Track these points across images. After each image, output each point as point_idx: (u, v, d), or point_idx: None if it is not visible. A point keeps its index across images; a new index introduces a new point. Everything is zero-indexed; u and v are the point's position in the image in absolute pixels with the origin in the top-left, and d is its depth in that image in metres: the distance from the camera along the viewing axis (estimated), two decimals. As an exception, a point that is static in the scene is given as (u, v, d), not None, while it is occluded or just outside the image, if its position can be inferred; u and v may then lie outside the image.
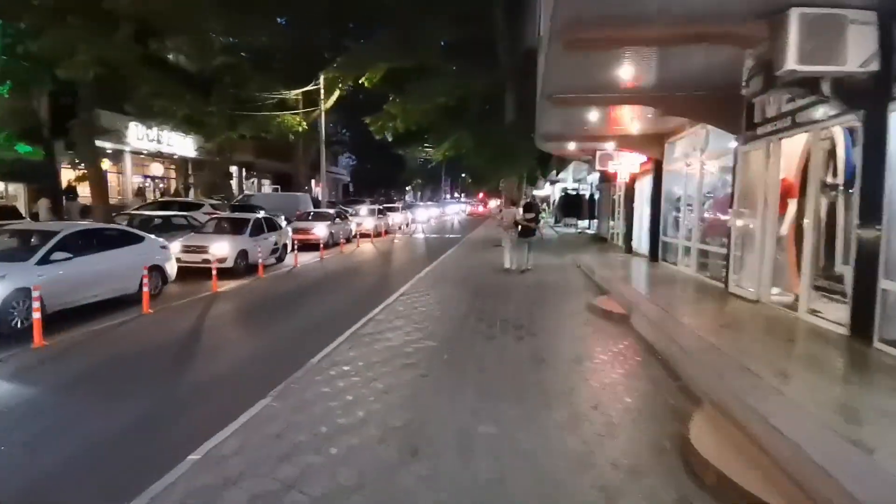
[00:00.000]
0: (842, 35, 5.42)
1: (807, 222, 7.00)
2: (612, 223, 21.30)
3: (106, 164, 21.65)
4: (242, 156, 30.29)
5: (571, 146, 16.37)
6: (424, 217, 42.83)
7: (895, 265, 5.41)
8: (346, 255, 18.24)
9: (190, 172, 27.85)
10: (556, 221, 33.02)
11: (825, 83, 6.25)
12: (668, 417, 4.37)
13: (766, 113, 7.90)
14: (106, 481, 3.69)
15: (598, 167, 17.27)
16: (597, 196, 26.70)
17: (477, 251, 18.49)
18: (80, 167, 19.19)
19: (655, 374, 5.44)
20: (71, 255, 7.61)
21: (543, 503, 3.19)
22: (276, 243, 14.92)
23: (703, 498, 3.22)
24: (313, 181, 36.96)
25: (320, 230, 19.24)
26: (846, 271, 6.41)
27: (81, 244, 8.04)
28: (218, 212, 17.73)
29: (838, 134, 6.95)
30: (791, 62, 5.44)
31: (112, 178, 23.00)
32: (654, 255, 13.86)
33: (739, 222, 8.63)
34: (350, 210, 26.85)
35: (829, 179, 7.24)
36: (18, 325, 7.05)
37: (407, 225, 33.87)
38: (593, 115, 11.05)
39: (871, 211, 5.72)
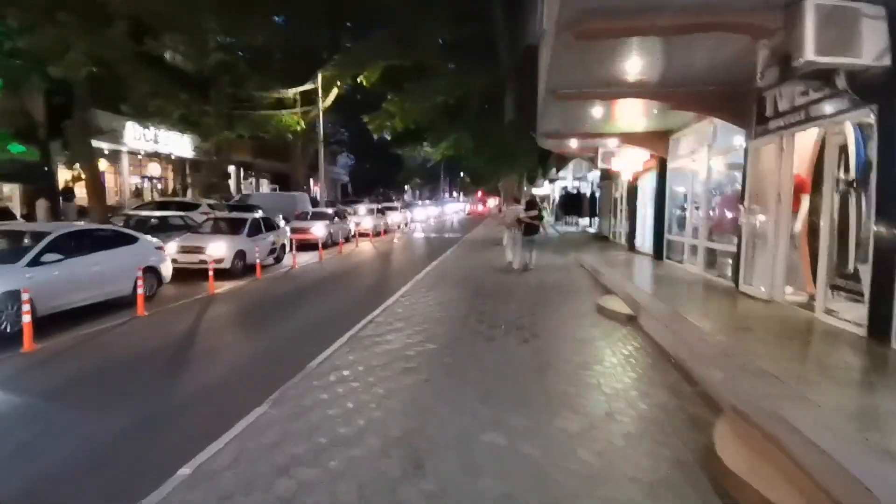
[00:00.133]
0: (856, 28, 5.26)
1: (823, 219, 6.76)
2: (613, 221, 21.08)
3: (103, 165, 21.44)
4: (240, 156, 30.06)
5: (573, 143, 16.14)
6: (423, 216, 42.60)
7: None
8: (345, 255, 18.01)
9: (187, 172, 27.62)
10: (557, 220, 32.79)
11: (839, 77, 6.05)
12: (688, 426, 4.14)
13: (779, 107, 7.67)
14: (89, 500, 3.46)
15: (600, 165, 17.06)
16: (598, 194, 26.48)
17: (477, 251, 18.26)
18: (75, 168, 18.92)
19: (670, 379, 5.21)
20: (62, 257, 7.38)
21: (559, 522, 2.97)
22: (274, 243, 14.70)
23: (731, 515, 3.00)
24: (311, 181, 36.72)
25: (319, 230, 19.01)
26: (863, 270, 6.19)
27: (73, 245, 7.80)
28: (215, 212, 17.49)
29: (849, 129, 6.73)
30: (809, 53, 5.24)
31: (109, 179, 22.77)
32: (658, 254, 13.63)
33: (751, 219, 8.39)
34: (349, 209, 26.63)
35: (841, 175, 7.03)
36: (8, 329, 6.82)
37: (406, 224, 33.63)
38: (597, 111, 10.82)
39: (888, 208, 5.51)
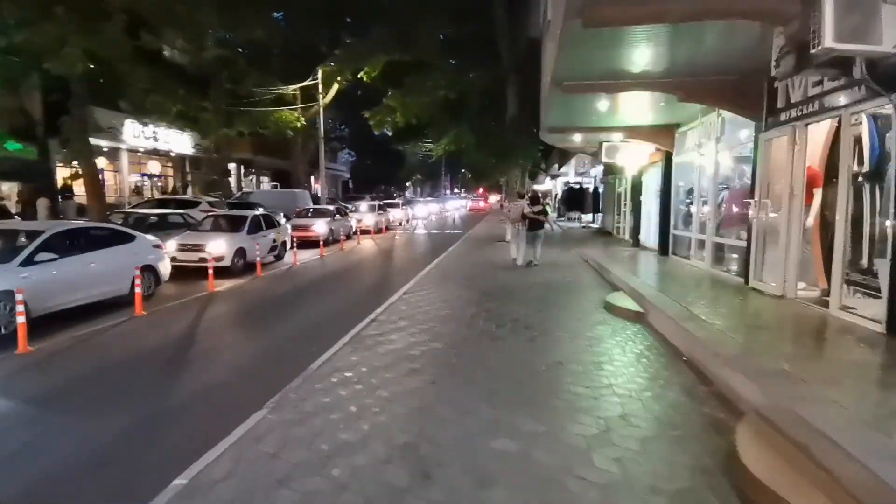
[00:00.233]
0: (876, 14, 5.05)
1: (838, 213, 6.55)
2: (617, 217, 20.90)
3: (102, 163, 21.25)
4: (240, 153, 29.83)
5: (577, 138, 15.92)
6: (425, 213, 42.38)
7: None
8: (347, 252, 17.82)
9: (187, 170, 27.42)
10: (560, 215, 32.60)
11: (857, 65, 5.85)
12: (707, 430, 3.95)
13: (791, 98, 7.47)
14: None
15: (604, 159, 16.87)
16: (601, 189, 26.29)
17: (480, 247, 18.06)
18: (73, 165, 18.74)
19: (684, 379, 5.02)
20: (56, 256, 7.19)
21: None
22: (274, 241, 14.51)
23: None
24: (312, 178, 36.50)
25: (320, 227, 18.83)
26: (880, 265, 5.99)
27: (68, 244, 7.61)
28: (215, 209, 17.30)
29: (864, 120, 6.53)
30: (828, 40, 5.02)
31: (109, 177, 22.59)
32: (663, 249, 13.45)
33: (761, 214, 8.19)
34: (350, 206, 26.43)
35: (855, 167, 6.83)
36: (2, 331, 6.65)
37: (407, 221, 33.44)
38: (602, 105, 10.60)
39: (907, 201, 5.32)
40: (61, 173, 19.83)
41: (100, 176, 19.74)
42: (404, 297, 9.15)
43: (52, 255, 7.11)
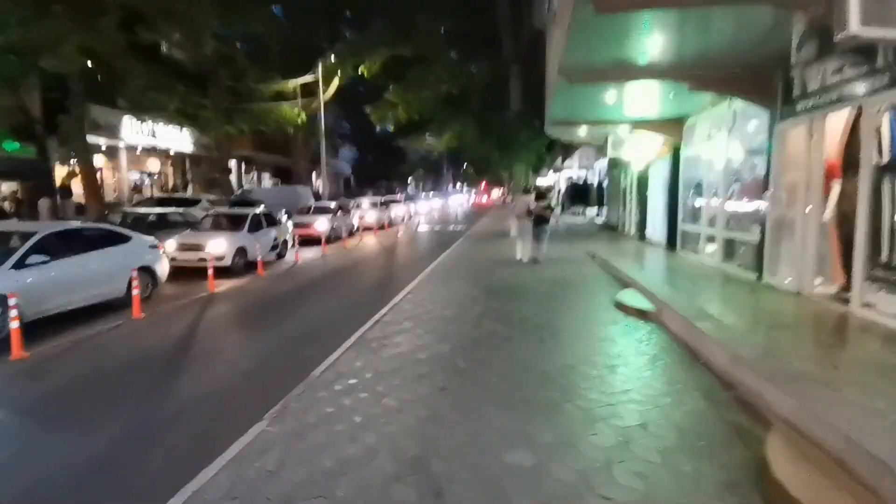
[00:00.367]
0: (901, -2, 4.79)
1: (859, 206, 6.29)
2: (622, 211, 20.61)
3: (101, 161, 21.05)
4: (241, 150, 29.62)
5: (582, 131, 15.66)
6: (427, 209, 42.11)
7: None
8: (349, 249, 17.60)
9: (188, 168, 27.21)
10: (563, 210, 32.32)
11: (881, 52, 5.60)
12: (733, 440, 3.73)
13: (808, 87, 7.20)
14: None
15: (609, 153, 16.61)
16: (605, 183, 25.99)
17: (484, 243, 17.83)
18: (70, 164, 18.54)
19: (703, 383, 4.79)
20: (48, 258, 6.98)
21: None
22: (275, 239, 14.29)
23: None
24: (314, 174, 36.28)
25: (322, 224, 18.59)
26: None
27: (61, 246, 7.38)
28: (215, 207, 17.09)
29: (885, 109, 6.27)
30: (854, 25, 4.76)
31: (108, 175, 22.39)
32: (671, 244, 13.19)
33: (777, 207, 7.94)
34: (352, 203, 26.19)
35: (875, 159, 6.57)
36: (-3, 335, 6.44)
37: (410, 217, 33.19)
38: (609, 97, 10.34)
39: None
40: (60, 172, 19.63)
41: (99, 174, 19.57)
42: (408, 296, 8.93)
43: (43, 258, 6.90)
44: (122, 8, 13.26)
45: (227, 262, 11.97)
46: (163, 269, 9.34)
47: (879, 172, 6.28)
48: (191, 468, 3.44)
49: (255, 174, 36.33)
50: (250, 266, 12.56)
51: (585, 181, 30.63)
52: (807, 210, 7.26)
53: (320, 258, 15.25)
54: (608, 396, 4.50)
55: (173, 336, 7.21)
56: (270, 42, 25.84)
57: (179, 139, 24.77)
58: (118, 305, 8.37)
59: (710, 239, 10.88)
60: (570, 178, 34.47)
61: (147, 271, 8.80)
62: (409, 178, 71.33)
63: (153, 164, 25.54)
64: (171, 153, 25.77)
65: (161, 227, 13.26)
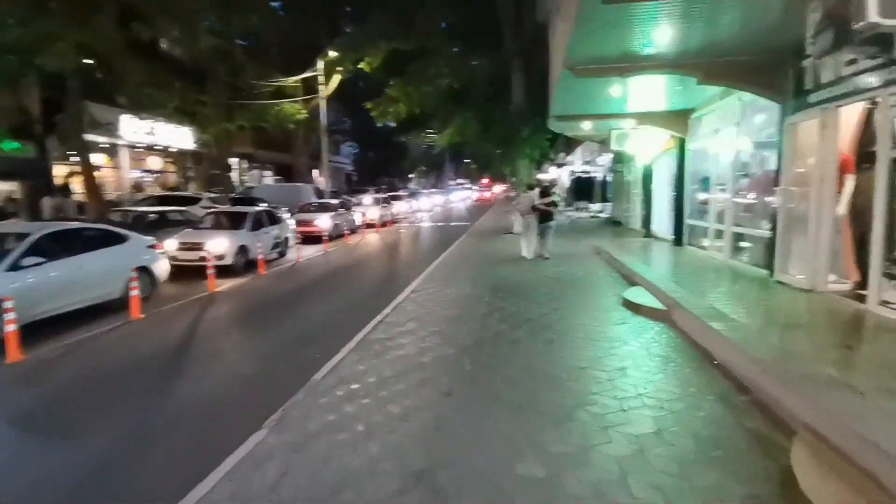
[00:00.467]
0: (921, -14, 4.59)
1: (876, 201, 6.10)
2: (627, 206, 20.41)
3: (101, 159, 20.91)
4: (242, 147, 29.43)
5: (586, 126, 15.43)
6: (430, 205, 41.90)
7: None
8: (351, 247, 17.44)
9: (188, 166, 27.04)
10: (567, 205, 32.09)
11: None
12: (753, 449, 3.55)
13: (821, 78, 6.99)
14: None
15: (614, 147, 16.38)
16: (609, 178, 25.76)
17: (487, 240, 17.65)
18: (69, 163, 18.40)
19: (718, 387, 4.62)
20: (44, 260, 6.82)
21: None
22: (277, 237, 14.15)
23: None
24: (316, 171, 36.08)
25: (323, 222, 18.42)
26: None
27: (56, 247, 7.20)
28: (217, 205, 16.94)
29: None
30: (873, 14, 4.56)
31: (108, 174, 22.23)
32: (678, 240, 13.00)
33: (788, 202, 7.74)
34: (354, 200, 26.01)
35: (891, 152, 6.38)
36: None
37: (412, 213, 33.00)
38: (614, 90, 10.11)
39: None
40: (59, 172, 19.49)
41: (98, 173, 19.42)
42: (412, 295, 8.77)
43: (38, 260, 6.75)
44: (117, 3, 13.07)
45: (228, 260, 11.82)
46: (161, 269, 9.18)
47: (890, 166, 6.10)
48: (186, 481, 3.29)
49: (256, 171, 36.16)
50: (251, 265, 12.42)
51: (589, 176, 30.41)
52: (820, 204, 7.05)
53: (322, 256, 15.10)
54: (620, 401, 4.33)
55: (172, 338, 7.07)
56: (269, 37, 25.57)
57: (180, 137, 24.58)
58: (117, 306, 8.22)
59: (718, 234, 10.69)
60: (574, 172, 34.23)
61: (145, 272, 8.63)
62: (412, 175, 71.07)
63: (154, 163, 25.39)
64: (172, 151, 25.60)
65: (161, 225, 13.11)
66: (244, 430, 3.98)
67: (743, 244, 9.72)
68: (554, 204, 12.71)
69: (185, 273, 11.21)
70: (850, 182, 7.23)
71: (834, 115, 6.94)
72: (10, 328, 6.07)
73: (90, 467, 3.78)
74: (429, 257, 13.43)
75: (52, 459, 3.92)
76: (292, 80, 25.34)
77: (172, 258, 11.55)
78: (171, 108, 18.09)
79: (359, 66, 24.61)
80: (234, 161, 29.59)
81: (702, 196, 12.03)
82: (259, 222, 13.48)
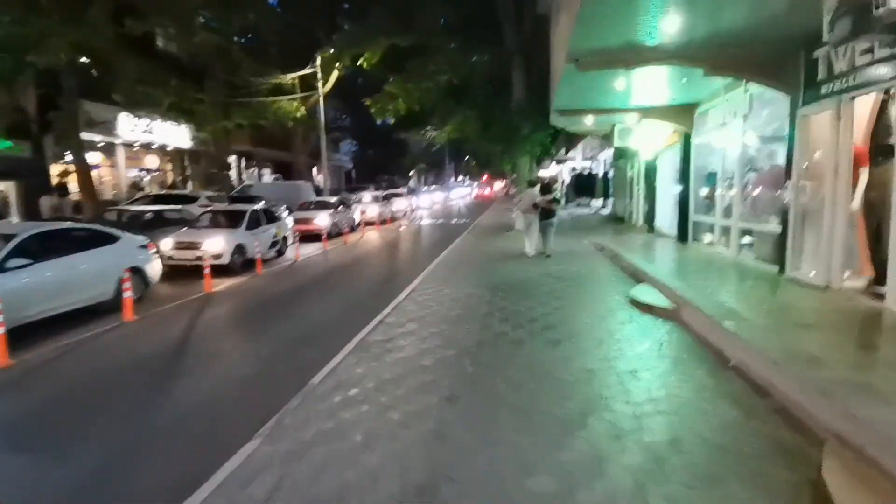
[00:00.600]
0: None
1: (893, 195, 5.87)
2: (629, 202, 20.17)
3: (98, 158, 20.67)
4: (240, 145, 29.17)
5: (589, 120, 15.17)
6: (429, 202, 41.65)
7: None
8: (351, 245, 17.21)
9: (186, 164, 26.80)
10: (568, 202, 31.87)
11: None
12: (777, 459, 3.33)
13: (834, 69, 6.76)
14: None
15: (616, 142, 16.14)
16: (611, 174, 25.53)
17: (488, 237, 17.41)
18: (64, 162, 18.17)
19: (735, 391, 4.39)
20: (30, 261, 6.59)
21: None
22: (275, 236, 13.93)
23: None
24: (315, 169, 35.84)
25: (322, 220, 18.19)
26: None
27: (44, 248, 6.96)
28: (214, 204, 16.70)
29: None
30: (896, 0, 4.36)
31: (105, 172, 21.99)
32: (682, 236, 12.78)
33: (800, 197, 7.51)
34: (353, 197, 25.78)
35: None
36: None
37: (412, 211, 32.76)
38: (618, 83, 9.88)
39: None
40: (56, 171, 19.24)
41: (95, 172, 19.18)
42: (412, 294, 8.55)
43: (25, 261, 6.52)
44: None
45: (225, 260, 11.62)
46: (154, 269, 8.95)
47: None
48: (174, 494, 3.07)
49: (255, 170, 35.90)
50: (249, 264, 12.20)
51: (590, 172, 30.18)
52: (834, 199, 6.82)
53: (321, 255, 14.88)
54: (633, 407, 4.11)
55: (165, 341, 6.84)
56: (267, 33, 25.31)
57: (177, 135, 24.31)
58: (110, 308, 8.00)
59: (725, 230, 10.47)
60: (574, 169, 34.01)
61: (137, 272, 8.40)
62: (411, 172, 70.79)
63: (151, 161, 25.14)
64: (170, 149, 25.34)
65: (158, 224, 12.89)
66: (238, 438, 3.77)
67: (751, 240, 9.49)
68: (555, 201, 12.48)
69: (182, 273, 11.02)
70: (864, 175, 7.01)
71: (848, 106, 6.71)
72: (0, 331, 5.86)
73: (72, 483, 3.55)
74: (429, 255, 13.20)
75: (31, 475, 3.70)
76: (290, 78, 25.10)
77: (169, 258, 11.37)
78: (167, 106, 17.81)
79: (357, 63, 24.36)
80: (232, 159, 29.34)
81: (707, 191, 11.79)
82: (256, 221, 13.28)
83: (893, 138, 6.23)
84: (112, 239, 8.18)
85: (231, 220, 12.99)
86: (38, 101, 17.05)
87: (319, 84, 25.54)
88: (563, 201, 31.04)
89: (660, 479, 3.14)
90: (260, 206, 14.85)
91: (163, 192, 21.76)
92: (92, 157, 19.24)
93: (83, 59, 14.96)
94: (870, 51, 6.11)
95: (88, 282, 7.54)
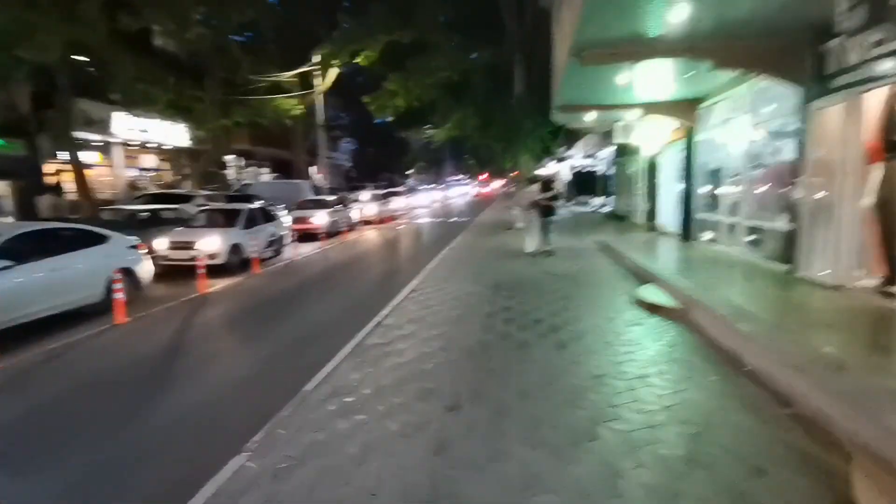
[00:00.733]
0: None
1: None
2: (630, 200, 19.93)
3: (95, 157, 20.42)
4: (239, 144, 28.89)
5: (591, 116, 14.93)
6: (429, 201, 41.38)
7: None
8: (349, 244, 16.96)
9: (184, 163, 26.53)
10: (567, 200, 31.60)
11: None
12: (803, 473, 3.10)
13: (846, 61, 6.51)
14: None
15: (618, 139, 15.91)
16: (612, 172, 25.27)
17: (488, 235, 17.17)
18: (58, 160, 17.91)
19: (753, 398, 4.16)
20: (13, 263, 6.34)
21: None
22: (272, 235, 13.70)
23: None
24: (314, 168, 35.57)
25: (320, 219, 17.97)
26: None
27: (28, 249, 6.69)
28: (211, 203, 16.46)
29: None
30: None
31: (103, 171, 21.72)
32: (686, 234, 12.54)
33: (811, 193, 7.26)
34: (352, 196, 25.54)
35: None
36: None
37: (412, 209, 32.50)
38: (623, 77, 9.63)
39: None
40: (50, 170, 18.99)
41: (91, 171, 18.91)
42: (411, 295, 8.31)
43: (7, 263, 6.26)
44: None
45: (221, 259, 11.40)
46: (145, 270, 8.70)
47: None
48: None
49: (254, 168, 35.62)
50: (246, 263, 11.97)
51: (590, 170, 29.92)
52: (847, 195, 6.59)
53: (319, 254, 14.65)
54: (646, 416, 3.87)
55: (155, 344, 6.61)
56: (266, 31, 25.05)
57: (175, 134, 24.05)
58: (101, 310, 7.77)
59: (731, 228, 10.23)
60: (574, 167, 33.73)
61: (127, 273, 8.13)
62: (411, 170, 70.50)
63: (149, 160, 24.86)
64: (168, 148, 25.08)
65: (153, 224, 12.68)
66: (223, 451, 3.54)
67: (758, 238, 9.26)
68: (555, 198, 12.27)
69: (178, 273, 10.80)
70: (877, 171, 6.78)
71: (860, 100, 6.47)
72: (-20, 336, 5.63)
73: (54, 498, 3.32)
74: (429, 254, 12.95)
75: (16, 487, 3.47)
76: (289, 75, 24.86)
77: (164, 257, 11.15)
78: (164, 104, 17.54)
79: (356, 60, 24.12)
80: (230, 158, 29.06)
81: (712, 188, 11.56)
82: (253, 220, 13.05)
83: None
84: (101, 239, 7.92)
85: (227, 219, 12.76)
86: (32, 99, 16.83)
87: (318, 81, 25.29)
88: (560, 200, 30.82)
89: (680, 496, 2.91)
90: (257, 204, 14.62)
91: (160, 191, 21.55)
92: (89, 156, 19.00)
93: (78, 57, 14.71)
94: (880, 43, 5.87)
95: (75, 284, 7.29)
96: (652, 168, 15.93)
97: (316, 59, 24.79)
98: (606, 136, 19.04)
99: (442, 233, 19.42)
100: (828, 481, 3.00)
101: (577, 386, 4.49)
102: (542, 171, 32.56)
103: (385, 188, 33.35)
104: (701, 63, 8.10)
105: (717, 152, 11.30)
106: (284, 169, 34.03)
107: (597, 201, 28.34)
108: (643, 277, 8.83)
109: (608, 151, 24.71)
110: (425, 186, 55.41)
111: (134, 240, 8.71)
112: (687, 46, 7.64)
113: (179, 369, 5.77)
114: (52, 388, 5.28)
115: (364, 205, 24.03)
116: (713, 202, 11.43)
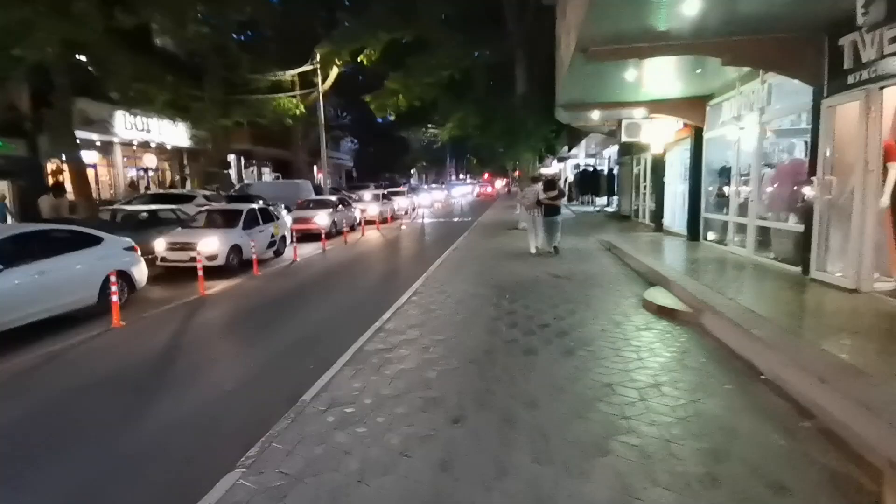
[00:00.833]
0: None
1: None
2: (635, 199, 19.73)
3: (95, 157, 20.28)
4: (239, 143, 28.76)
5: (595, 115, 14.72)
6: (431, 201, 41.17)
7: None
8: (350, 245, 16.78)
9: (185, 163, 26.41)
10: (571, 199, 31.38)
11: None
12: (830, 493, 2.90)
13: (862, 56, 6.31)
14: None
15: (623, 138, 15.66)
16: (616, 171, 25.05)
17: (491, 236, 16.97)
18: (57, 160, 17.77)
19: (771, 407, 3.96)
20: (3, 267, 6.17)
21: None
22: (272, 236, 13.53)
23: None
24: (315, 167, 35.41)
25: (321, 219, 17.78)
26: None
27: (20, 251, 6.53)
28: (211, 203, 16.29)
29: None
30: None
31: (103, 171, 21.60)
32: (693, 234, 12.33)
33: (826, 193, 7.05)
34: (353, 196, 25.36)
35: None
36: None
37: (414, 209, 32.31)
38: (629, 74, 9.41)
39: None
40: (50, 170, 18.86)
41: (91, 171, 18.77)
42: (413, 298, 8.12)
43: (-3, 266, 6.12)
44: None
45: (221, 261, 11.24)
46: (140, 272, 8.53)
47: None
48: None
49: (255, 168, 35.48)
50: (246, 264, 11.80)
51: (595, 169, 29.70)
52: (865, 195, 6.37)
53: (320, 255, 14.47)
54: (661, 429, 3.68)
55: (151, 348, 6.43)
56: (265, 29, 24.87)
57: (176, 134, 23.92)
58: (97, 313, 7.61)
59: (740, 228, 10.02)
60: (578, 165, 33.50)
61: (122, 276, 7.96)
62: (412, 170, 70.33)
63: (149, 160, 24.74)
64: (168, 148, 24.95)
65: (153, 224, 12.51)
66: (217, 466, 3.36)
67: (769, 239, 9.05)
68: (559, 197, 12.09)
69: (177, 275, 10.65)
70: (893, 171, 6.57)
71: (877, 97, 6.25)
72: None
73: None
74: (431, 255, 12.76)
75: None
76: (290, 74, 24.67)
77: (163, 259, 10.99)
78: (162, 103, 17.36)
79: (357, 59, 23.89)
80: (232, 157, 28.91)
81: (720, 188, 11.34)
82: (253, 220, 12.88)
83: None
84: (95, 241, 7.75)
85: (227, 220, 12.59)
86: (31, 98, 16.67)
87: (319, 79, 25.10)
88: (563, 199, 30.56)
89: (700, 520, 2.72)
90: (257, 205, 14.45)
91: (160, 191, 21.42)
92: (89, 156, 18.84)
93: (77, 56, 14.54)
94: (897, 39, 5.67)
95: (69, 286, 7.12)
96: (659, 167, 15.71)
97: (317, 58, 24.57)
98: (611, 135, 18.82)
99: (444, 233, 19.23)
100: (858, 500, 2.80)
101: (587, 396, 4.29)
102: (545, 170, 32.35)
103: (386, 188, 33.16)
104: (709, 60, 7.91)
105: (725, 151, 11.10)
106: (285, 168, 33.90)
107: (601, 201, 28.14)
108: (650, 279, 8.64)
109: (612, 150, 24.50)
110: (427, 186, 55.23)
111: (129, 241, 8.53)
112: (696, 43, 7.44)
113: (173, 376, 5.58)
114: (44, 393, 5.13)
115: (365, 205, 23.85)
116: (721, 202, 11.22)
